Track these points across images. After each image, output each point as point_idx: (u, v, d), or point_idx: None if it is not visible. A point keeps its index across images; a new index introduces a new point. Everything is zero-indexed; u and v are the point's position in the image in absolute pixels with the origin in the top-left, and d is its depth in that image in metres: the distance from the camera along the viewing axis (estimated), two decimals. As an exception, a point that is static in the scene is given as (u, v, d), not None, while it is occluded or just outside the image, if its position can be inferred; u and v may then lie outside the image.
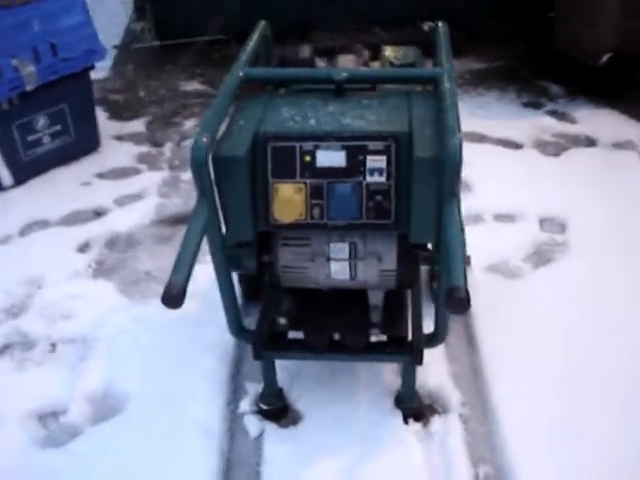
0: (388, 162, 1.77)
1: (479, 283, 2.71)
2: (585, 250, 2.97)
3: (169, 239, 3.21)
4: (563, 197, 3.30)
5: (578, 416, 2.19)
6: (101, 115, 4.26)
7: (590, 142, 3.87)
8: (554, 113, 4.21)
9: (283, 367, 2.33)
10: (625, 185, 3.41)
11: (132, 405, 2.29)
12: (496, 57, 4.97)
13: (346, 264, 1.95)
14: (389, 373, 2.38)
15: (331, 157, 1.79)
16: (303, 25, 4.60)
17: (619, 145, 3.80)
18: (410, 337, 2.10)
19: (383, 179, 1.79)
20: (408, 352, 2.07)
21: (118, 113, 4.49)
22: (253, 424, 2.26)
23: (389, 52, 2.30)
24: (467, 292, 1.47)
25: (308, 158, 1.79)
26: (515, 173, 3.52)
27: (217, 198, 1.79)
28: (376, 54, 2.37)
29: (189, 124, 4.32)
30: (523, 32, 4.77)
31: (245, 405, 2.32)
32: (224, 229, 1.88)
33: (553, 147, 3.83)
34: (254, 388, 2.36)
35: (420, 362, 2.07)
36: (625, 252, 2.91)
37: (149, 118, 4.43)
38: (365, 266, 1.95)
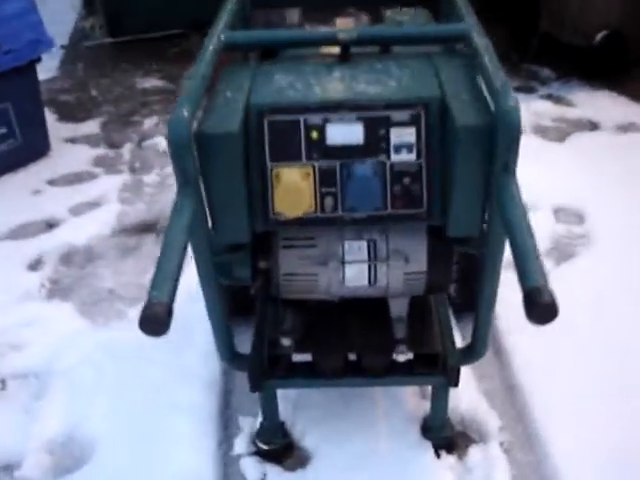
0: (418, 136, 1.43)
1: (498, 285, 2.39)
2: (609, 242, 2.70)
3: (134, 251, 2.91)
4: (575, 184, 3.04)
5: (635, 432, 1.91)
6: (50, 117, 3.88)
7: (593, 126, 3.65)
8: (549, 97, 3.97)
9: (283, 395, 1.98)
10: (636, 169, 3.14)
11: (101, 453, 1.96)
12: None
13: (364, 267, 1.60)
14: (411, 395, 2.05)
15: (345, 132, 1.44)
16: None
17: (623, 128, 3.60)
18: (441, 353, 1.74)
19: (412, 157, 1.44)
20: (442, 372, 1.71)
21: (69, 114, 4.12)
22: (252, 468, 1.93)
23: (394, 15, 1.95)
24: (551, 294, 1.12)
25: (315, 134, 1.44)
26: (520, 160, 3.19)
27: (202, 189, 1.40)
28: (376, 18, 2.00)
29: (149, 123, 3.97)
30: (506, 15, 4.49)
31: (240, 445, 1.98)
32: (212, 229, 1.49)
33: (555, 132, 3.59)
34: (249, 423, 2.03)
35: (456, 383, 1.73)
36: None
37: (104, 118, 4.08)
38: (388, 268, 1.59)
